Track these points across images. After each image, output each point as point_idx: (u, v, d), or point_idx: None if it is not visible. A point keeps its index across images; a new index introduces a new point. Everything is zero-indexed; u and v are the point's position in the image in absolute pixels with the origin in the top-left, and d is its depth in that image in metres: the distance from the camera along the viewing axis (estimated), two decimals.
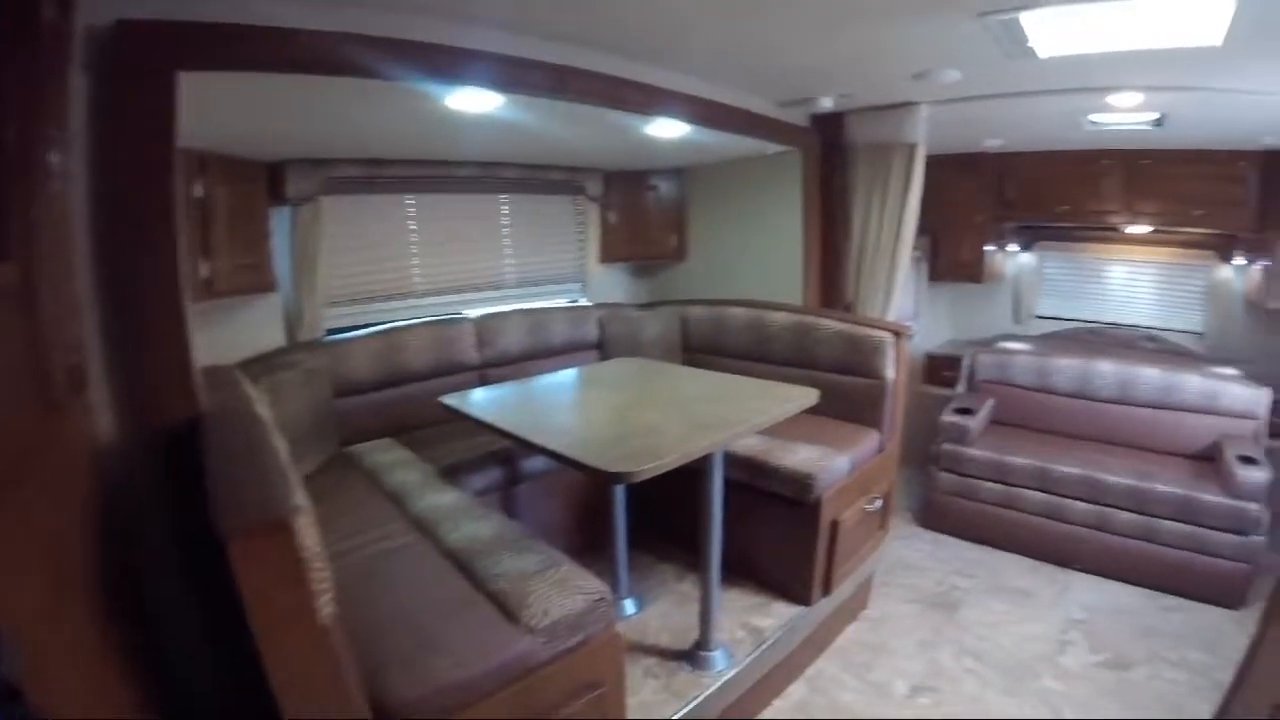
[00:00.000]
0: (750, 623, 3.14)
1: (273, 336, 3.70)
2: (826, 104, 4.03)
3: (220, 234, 3.04)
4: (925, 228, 5.46)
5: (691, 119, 3.47)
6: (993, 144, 5.15)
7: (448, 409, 2.97)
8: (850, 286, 4.46)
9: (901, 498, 5.11)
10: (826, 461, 3.23)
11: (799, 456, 3.26)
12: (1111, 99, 3.57)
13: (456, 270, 4.53)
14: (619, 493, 3.18)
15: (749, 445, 3.34)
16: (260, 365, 3.22)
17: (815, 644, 3.45)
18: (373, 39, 2.28)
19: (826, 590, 3.32)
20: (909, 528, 4.92)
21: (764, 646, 3.01)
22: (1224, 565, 3.99)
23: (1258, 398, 4.49)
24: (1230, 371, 4.82)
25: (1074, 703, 3.25)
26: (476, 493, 3.12)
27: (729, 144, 4.11)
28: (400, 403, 3.73)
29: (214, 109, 2.39)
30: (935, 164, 5.10)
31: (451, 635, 1.95)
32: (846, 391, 3.77)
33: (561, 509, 3.62)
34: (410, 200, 4.24)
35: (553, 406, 3.15)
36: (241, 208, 3.25)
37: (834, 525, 3.24)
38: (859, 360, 3.75)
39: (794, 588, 3.29)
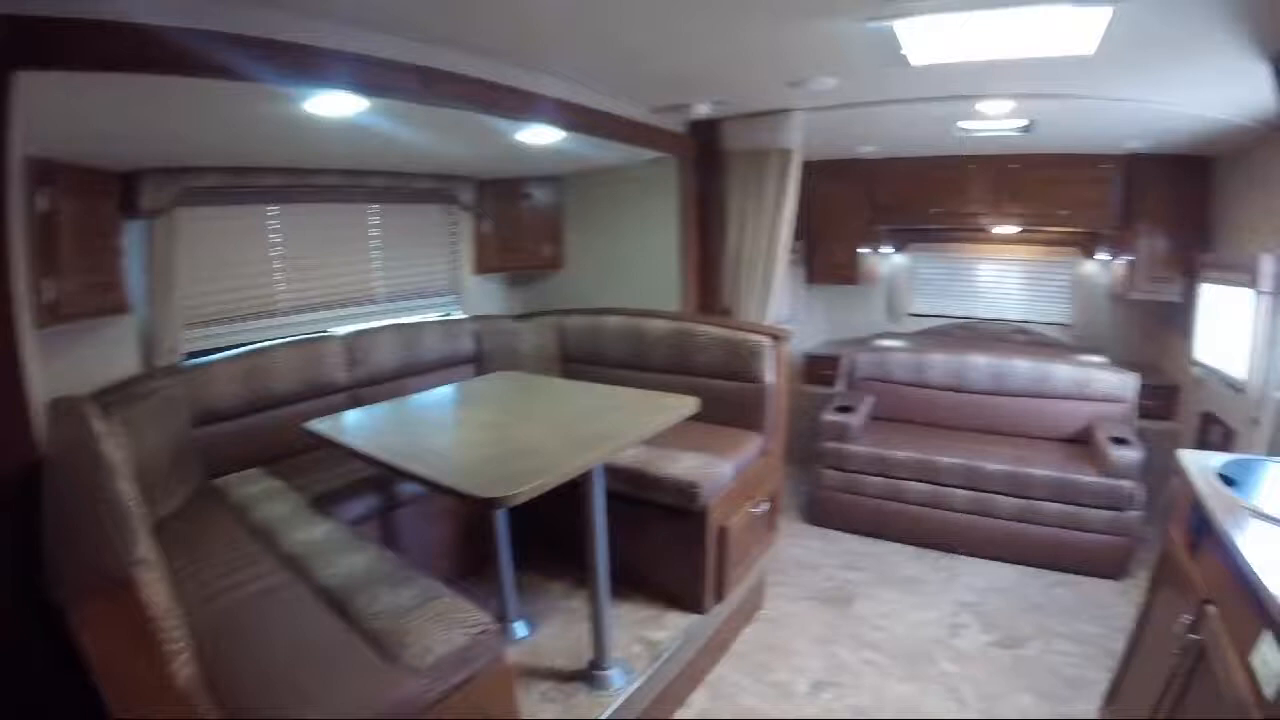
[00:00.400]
0: (645, 636, 3.05)
1: (127, 362, 3.42)
2: (703, 111, 4.03)
3: (67, 251, 2.76)
4: (801, 232, 5.65)
5: (564, 125, 3.39)
6: (866, 150, 5.28)
7: (315, 435, 2.79)
8: (728, 292, 4.46)
9: (789, 497, 5.16)
10: (710, 468, 3.19)
11: (682, 465, 3.21)
12: (982, 106, 3.68)
13: (324, 285, 4.30)
14: (500, 513, 3.06)
15: (631, 456, 3.25)
16: (114, 395, 2.96)
17: (713, 650, 3.38)
18: (229, 36, 2.08)
19: (720, 596, 3.27)
20: (798, 526, 4.94)
21: (661, 659, 2.93)
22: (1104, 540, 4.20)
23: (1126, 382, 4.75)
24: (1098, 359, 5.14)
25: (972, 683, 3.29)
26: (352, 522, 2.94)
27: (605, 151, 4.06)
28: (268, 429, 3.49)
29: (58, 112, 2.21)
30: (811, 170, 5.22)
31: (328, 685, 1.79)
32: (727, 397, 3.75)
33: (444, 532, 3.46)
34: (274, 211, 3.99)
35: (427, 427, 2.97)
36: (91, 222, 2.99)
37: (722, 531, 3.20)
38: (738, 365, 3.74)
39: (687, 596, 3.22)
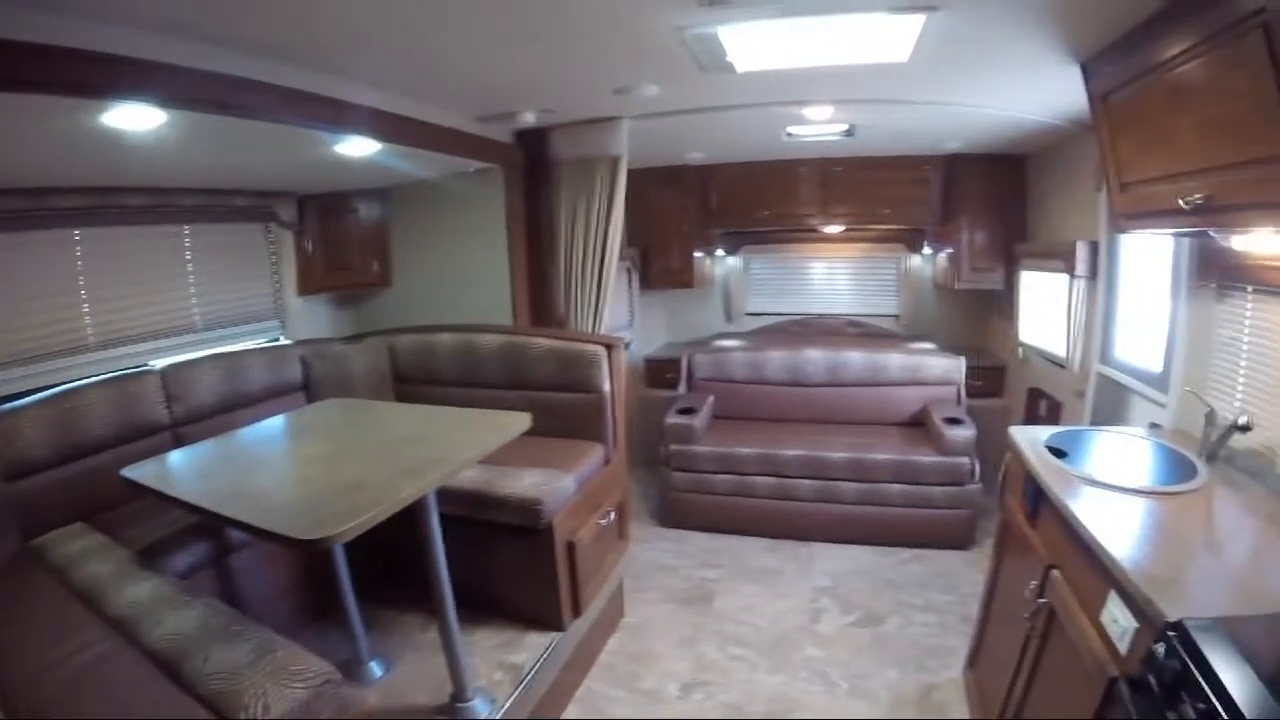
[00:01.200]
0: (506, 660, 2.92)
1: None
2: (529, 119, 3.94)
3: None
4: (635, 239, 5.71)
5: (381, 135, 3.20)
6: (696, 156, 5.34)
7: (129, 483, 2.51)
8: (561, 302, 4.37)
9: (641, 501, 5.20)
10: (552, 483, 3.09)
11: (524, 482, 3.09)
12: (807, 111, 3.76)
13: (137, 315, 3.88)
14: (338, 550, 2.87)
15: (470, 478, 3.10)
16: None
17: (578, 665, 3.30)
18: (11, 44, 1.88)
19: (578, 611, 3.19)
20: (652, 529, 4.91)
21: (525, 682, 2.82)
22: (948, 514, 4.44)
23: (954, 366, 5.05)
24: (927, 346, 5.46)
25: (839, 665, 3.37)
26: (182, 574, 2.66)
27: (429, 162, 3.93)
28: (87, 478, 3.10)
29: None
30: (642, 177, 5.27)
31: None
32: (565, 408, 3.66)
33: (284, 575, 3.18)
34: (77, 235, 3.58)
35: (252, 465, 2.66)
36: None
37: (570, 546, 3.11)
38: (574, 376, 3.64)
39: (544, 615, 3.12)
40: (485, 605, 3.12)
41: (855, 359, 5.16)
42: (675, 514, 4.92)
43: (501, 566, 3.13)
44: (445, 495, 2.65)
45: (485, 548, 3.09)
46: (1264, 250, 2.25)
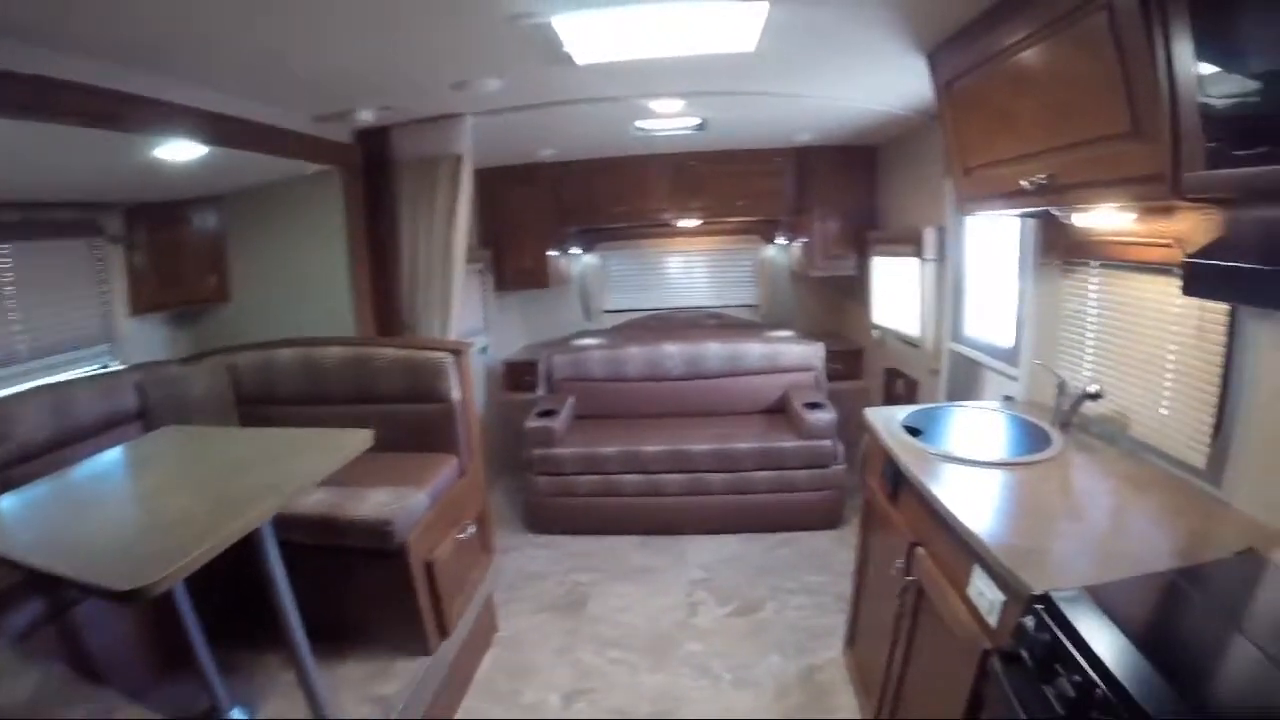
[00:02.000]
0: (375, 692, 2.74)
1: None
2: (367, 117, 3.72)
3: None
4: (488, 239, 5.57)
5: (206, 138, 2.94)
6: (547, 153, 5.22)
7: None
8: (406, 309, 4.18)
9: (508, 508, 5.10)
10: (403, 501, 2.90)
11: (372, 503, 2.89)
12: (654, 105, 3.71)
13: None
14: (180, 592, 2.63)
15: (315, 502, 2.89)
16: None
17: (454, 687, 3.16)
18: None
19: (445, 632, 3.03)
20: (520, 536, 4.79)
21: (396, 712, 2.67)
22: (815, 496, 4.55)
23: (813, 352, 5.17)
24: (786, 333, 5.58)
25: (720, 656, 3.37)
26: (20, 635, 2.39)
27: (265, 166, 3.66)
28: None
29: None
30: (493, 175, 5.17)
31: None
32: (415, 420, 3.47)
33: (132, 625, 2.89)
34: None
35: (84, 506, 2.41)
36: None
37: (428, 565, 2.95)
38: (423, 386, 3.45)
39: (409, 641, 2.95)
40: (347, 636, 2.92)
41: (714, 350, 5.20)
42: (543, 519, 4.82)
43: (359, 593, 2.94)
44: (289, 522, 2.49)
45: (339, 575, 2.89)
46: (1104, 226, 2.35)
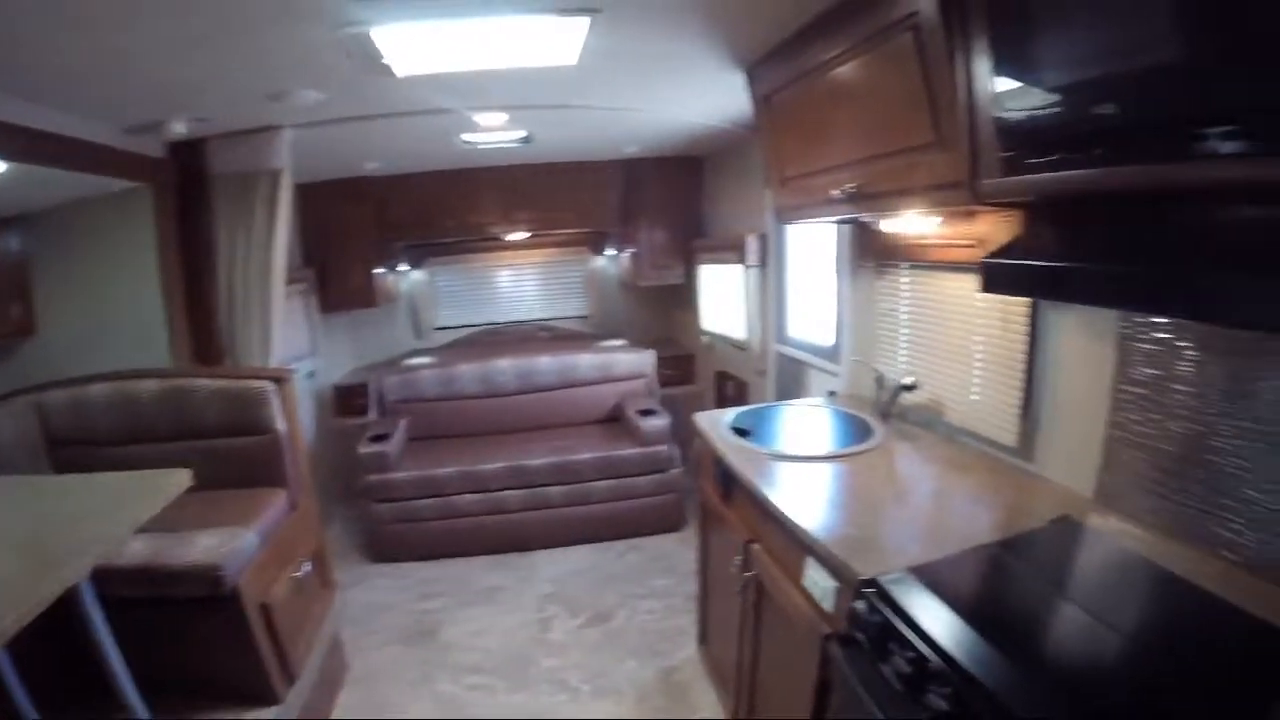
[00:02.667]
0: None
1: None
2: (180, 130, 3.49)
3: None
4: (312, 258, 5.32)
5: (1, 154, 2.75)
6: (372, 167, 5.03)
7: None
8: (225, 335, 3.93)
9: (348, 539, 4.92)
10: (232, 543, 2.69)
11: (199, 547, 2.67)
12: (479, 118, 3.66)
13: None
14: (3, 661, 2.39)
15: (136, 552, 2.64)
16: None
17: None
18: None
19: (291, 678, 2.86)
20: (363, 568, 4.60)
21: None
22: (656, 500, 4.64)
23: (644, 360, 5.25)
24: (618, 342, 5.60)
25: (577, 669, 3.37)
26: None
27: (66, 183, 3.38)
28: None
29: None
30: (317, 191, 4.96)
31: None
32: (240, 454, 3.24)
33: None
34: None
35: None
36: None
37: (265, 609, 2.77)
38: (245, 417, 3.23)
39: (255, 690, 2.75)
40: (191, 690, 2.70)
41: (546, 363, 5.20)
42: (385, 548, 4.66)
43: (196, 644, 2.72)
44: (110, 576, 2.30)
45: (172, 627, 2.66)
46: (912, 230, 2.54)
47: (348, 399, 5.45)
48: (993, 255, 1.63)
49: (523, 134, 4.13)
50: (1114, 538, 1.75)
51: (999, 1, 1.47)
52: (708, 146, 4.90)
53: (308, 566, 3.21)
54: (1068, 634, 1.43)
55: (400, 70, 2.64)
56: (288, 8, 2.06)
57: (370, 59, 2.49)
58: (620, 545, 4.55)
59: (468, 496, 4.55)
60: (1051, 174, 1.40)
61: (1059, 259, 1.46)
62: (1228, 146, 1.03)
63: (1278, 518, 1.44)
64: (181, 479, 2.38)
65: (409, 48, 2.44)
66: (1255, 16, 0.99)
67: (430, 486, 4.54)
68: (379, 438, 4.64)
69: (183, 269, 3.86)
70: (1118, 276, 1.32)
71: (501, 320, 6.37)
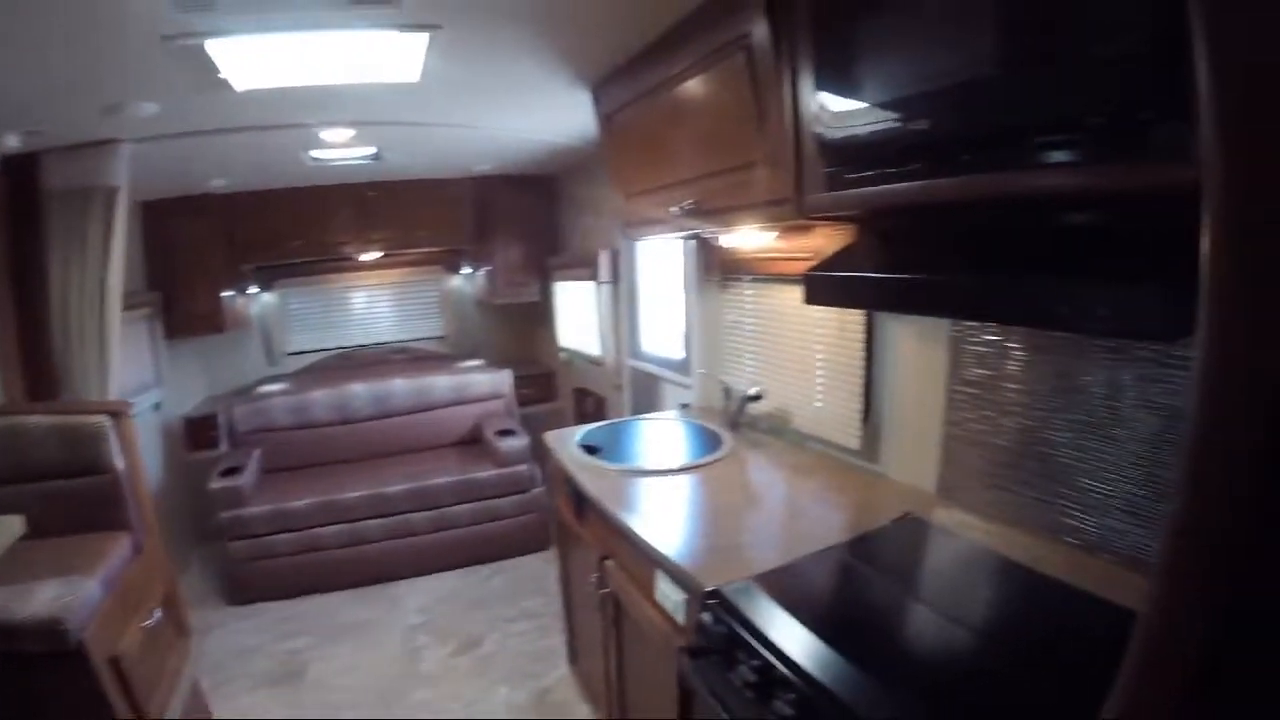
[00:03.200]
0: None
1: None
2: (11, 143, 3.25)
3: None
4: (156, 281, 4.99)
5: None
6: (218, 184, 4.77)
7: None
8: (59, 366, 3.64)
9: (205, 581, 4.62)
10: (73, 593, 2.47)
11: (38, 599, 2.44)
12: (325, 134, 3.55)
13: None
14: None
15: None
16: None
17: None
18: None
19: None
20: (222, 611, 4.32)
21: None
22: (519, 521, 4.59)
23: (501, 379, 5.22)
24: (475, 363, 5.53)
25: (450, 699, 3.28)
26: None
27: None
28: None
29: None
30: (160, 209, 4.69)
31: None
32: (77, 497, 2.97)
33: None
34: None
35: None
36: None
37: (115, 663, 2.56)
38: (82, 456, 2.96)
39: None
40: None
41: (401, 387, 5.10)
42: (244, 588, 4.38)
43: (43, 705, 2.50)
44: None
45: (13, 687, 2.45)
46: (750, 245, 2.61)
47: (199, 431, 5.08)
48: (815, 268, 1.68)
49: (371, 151, 4.03)
50: (957, 531, 1.85)
51: (823, 24, 1.53)
52: (561, 164, 4.89)
53: (159, 614, 2.99)
54: (912, 629, 1.50)
55: (239, 84, 2.54)
56: (116, 17, 1.95)
57: (207, 73, 2.38)
58: (486, 569, 4.47)
59: (327, 528, 4.36)
60: (871, 188, 1.45)
61: (878, 269, 1.53)
62: (1039, 157, 1.10)
63: (1112, 502, 1.54)
64: (13, 526, 2.25)
65: (247, 61, 2.34)
66: (1051, 36, 1.06)
67: (287, 520, 4.32)
68: (230, 471, 4.39)
69: (14, 295, 3.57)
70: (927, 285, 1.39)
71: (357, 343, 6.15)
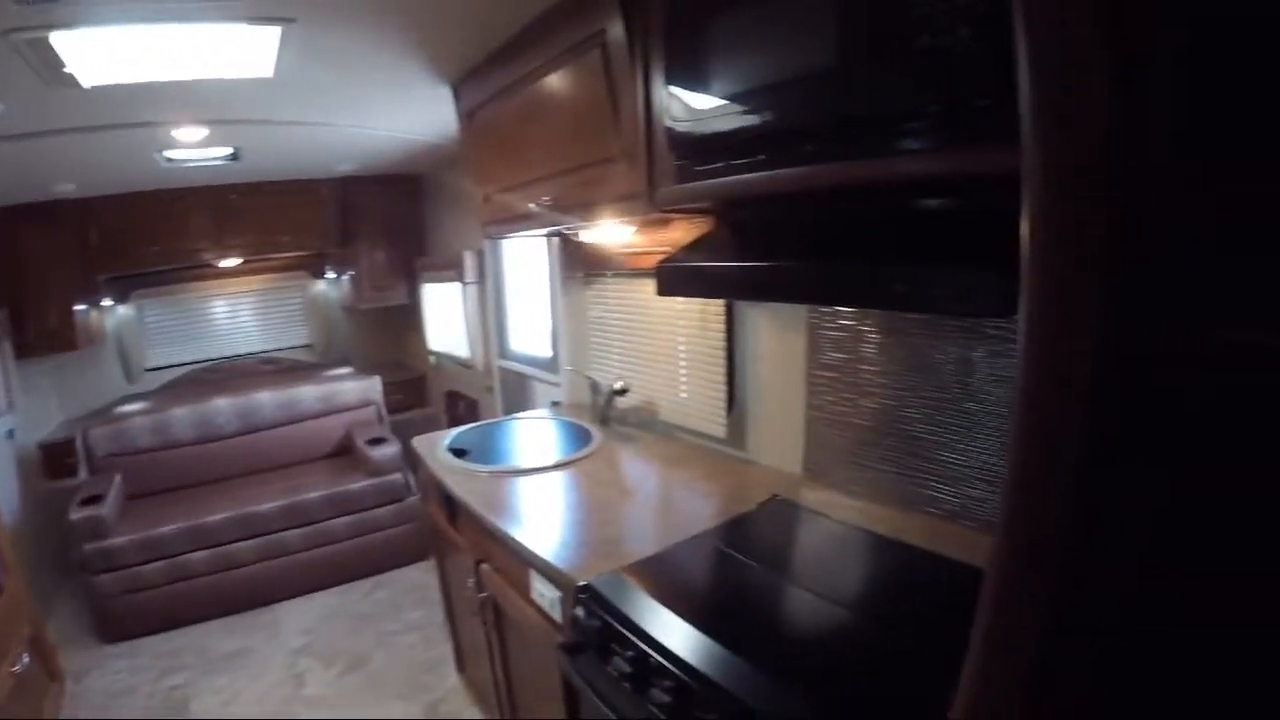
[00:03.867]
0: None
1: None
2: None
3: None
4: (1, 297, 4.63)
5: None
6: (66, 189, 4.44)
7: None
8: None
9: (74, 619, 4.27)
10: None
11: None
12: (178, 133, 3.36)
13: None
14: None
15: None
16: None
17: None
18: None
19: None
20: (94, 651, 3.99)
21: None
22: (397, 532, 4.46)
23: (370, 386, 5.04)
24: (343, 370, 5.35)
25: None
26: None
27: None
28: None
29: None
30: (2, 218, 4.37)
31: None
32: None
33: None
34: None
35: None
36: None
37: None
38: None
39: None
40: None
41: (266, 399, 4.86)
42: (115, 625, 4.06)
43: None
44: None
45: None
46: (610, 241, 2.63)
47: (57, 458, 4.75)
48: (666, 259, 1.71)
49: (228, 151, 3.87)
50: (823, 509, 1.91)
51: (675, 20, 1.55)
52: (426, 163, 4.79)
53: (26, 659, 2.81)
54: (780, 605, 1.54)
55: (86, 80, 2.40)
56: None
57: (52, 68, 2.24)
58: (368, 583, 4.34)
59: (197, 554, 4.09)
60: (719, 180, 1.49)
61: (728, 259, 1.57)
62: (880, 146, 1.14)
63: (969, 473, 1.63)
64: None
65: (96, 56, 2.22)
66: (888, 30, 1.11)
67: (154, 548, 4.03)
68: (92, 500, 4.05)
69: None
70: (772, 272, 1.44)
71: (220, 355, 5.85)
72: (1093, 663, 0.65)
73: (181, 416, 4.69)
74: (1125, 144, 0.55)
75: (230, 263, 5.30)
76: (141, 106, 2.90)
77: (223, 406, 4.76)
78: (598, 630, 1.50)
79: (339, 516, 4.31)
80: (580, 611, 1.56)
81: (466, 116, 2.84)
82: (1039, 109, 0.59)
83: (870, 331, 1.83)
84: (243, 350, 5.90)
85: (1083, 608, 0.65)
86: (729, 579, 1.67)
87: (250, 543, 4.17)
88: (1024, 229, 0.61)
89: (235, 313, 5.89)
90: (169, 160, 3.87)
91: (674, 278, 1.68)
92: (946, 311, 1.49)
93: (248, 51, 2.33)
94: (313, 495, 4.26)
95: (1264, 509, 0.54)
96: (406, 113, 3.35)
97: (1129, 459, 0.59)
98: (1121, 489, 0.60)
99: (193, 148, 3.69)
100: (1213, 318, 0.54)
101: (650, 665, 1.36)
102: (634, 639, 1.41)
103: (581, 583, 1.60)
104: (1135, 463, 0.59)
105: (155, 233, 4.89)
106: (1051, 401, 0.62)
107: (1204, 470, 0.57)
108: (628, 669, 1.41)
